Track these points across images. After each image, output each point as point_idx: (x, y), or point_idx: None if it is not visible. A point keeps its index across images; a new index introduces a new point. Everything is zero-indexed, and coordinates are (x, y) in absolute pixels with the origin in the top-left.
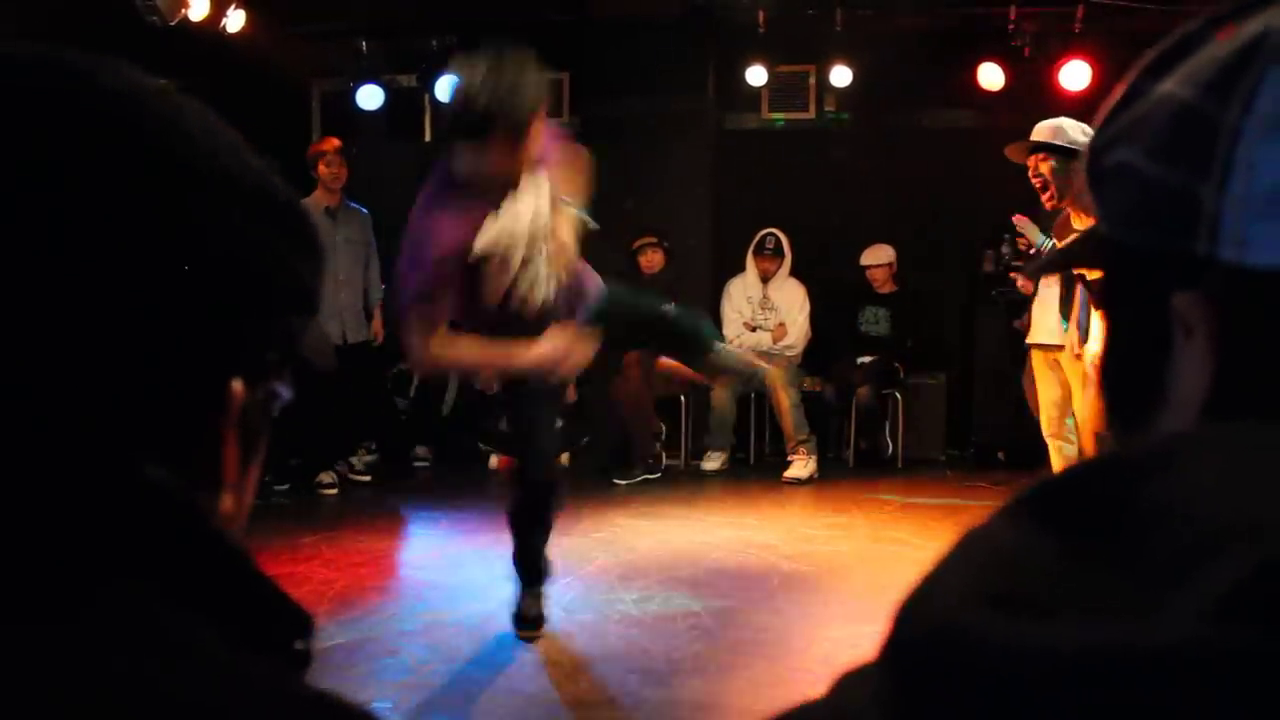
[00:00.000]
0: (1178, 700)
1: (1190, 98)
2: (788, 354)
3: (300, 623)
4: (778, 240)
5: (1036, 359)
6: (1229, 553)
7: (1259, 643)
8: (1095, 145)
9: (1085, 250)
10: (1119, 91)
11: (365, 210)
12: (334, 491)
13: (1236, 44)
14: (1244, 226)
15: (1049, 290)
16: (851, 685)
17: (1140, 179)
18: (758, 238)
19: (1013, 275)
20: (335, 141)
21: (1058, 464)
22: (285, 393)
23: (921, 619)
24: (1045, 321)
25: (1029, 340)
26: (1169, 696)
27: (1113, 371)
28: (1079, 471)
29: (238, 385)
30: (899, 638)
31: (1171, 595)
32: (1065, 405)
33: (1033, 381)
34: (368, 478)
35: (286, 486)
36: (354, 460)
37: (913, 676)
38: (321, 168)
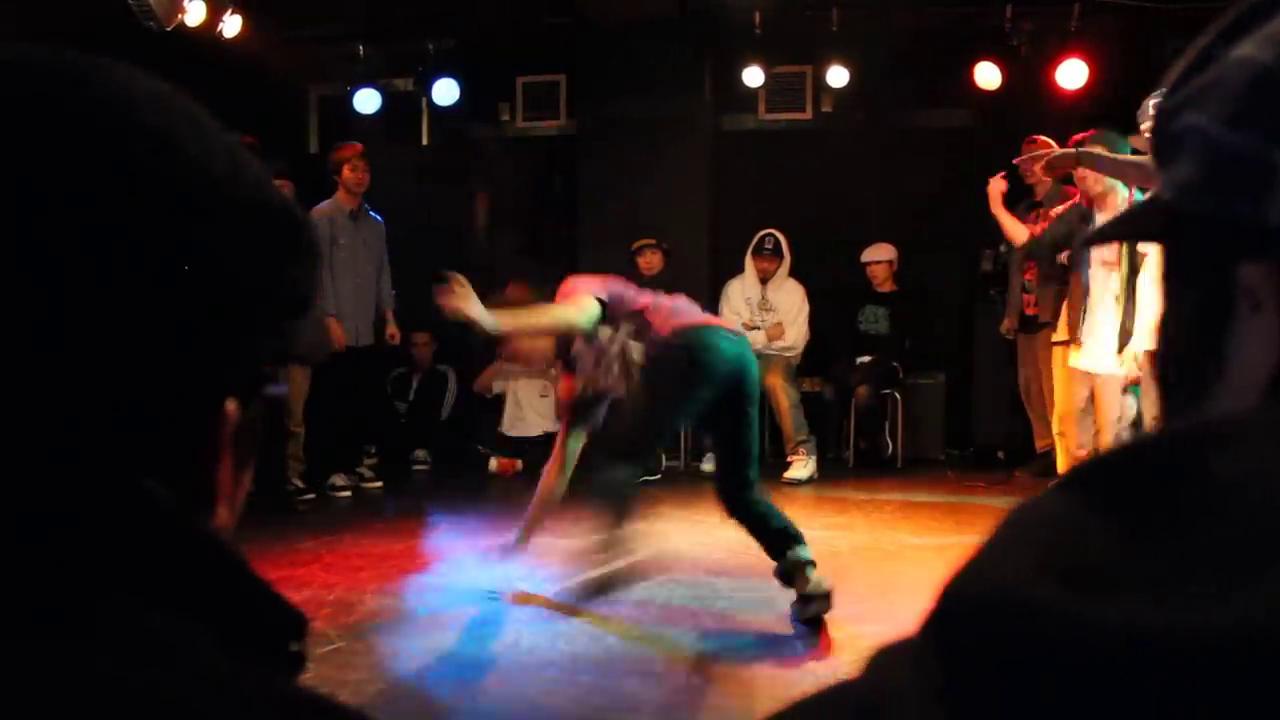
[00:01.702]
0: (1250, 683)
1: (1270, 61)
2: (786, 355)
3: (294, 625)
4: (776, 241)
5: (1058, 356)
6: None
7: None
8: (1163, 109)
9: (1145, 220)
10: (1189, 55)
11: (381, 219)
12: (348, 494)
13: None
14: None
15: (1075, 290)
16: (889, 663)
17: (1211, 144)
18: (757, 238)
19: (1005, 328)
20: (358, 146)
21: (1064, 463)
22: (278, 391)
23: (978, 593)
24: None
25: (1055, 338)
26: (1242, 679)
27: (1170, 347)
28: (1136, 448)
29: (232, 402)
30: (949, 612)
31: (1250, 578)
32: (1085, 405)
33: (1035, 379)
34: (379, 483)
35: (312, 495)
36: (363, 470)
37: (964, 651)
38: (346, 171)
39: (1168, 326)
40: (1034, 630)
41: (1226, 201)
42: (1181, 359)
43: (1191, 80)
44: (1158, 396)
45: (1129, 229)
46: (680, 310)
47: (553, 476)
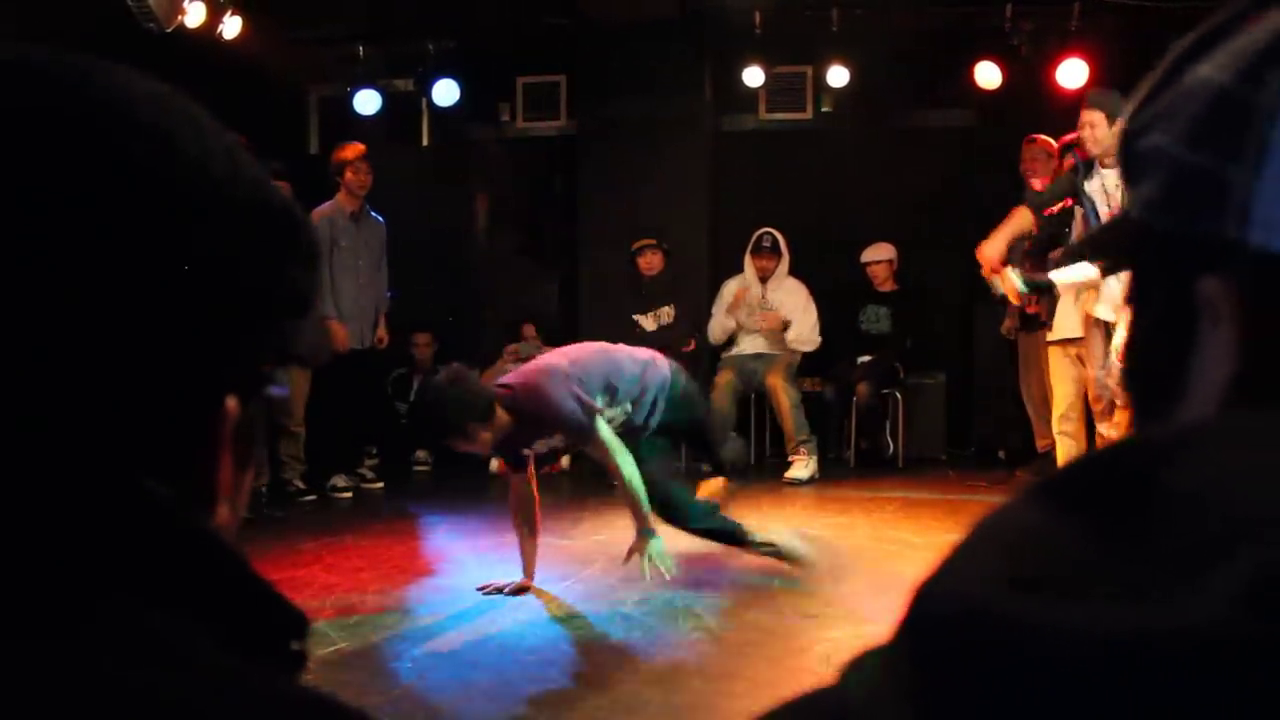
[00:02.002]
0: (1206, 684)
1: (1225, 81)
2: (795, 352)
3: (295, 624)
4: (774, 239)
5: (1054, 355)
6: (1257, 539)
7: None
8: (1129, 130)
9: (1114, 237)
10: (1153, 77)
11: (382, 220)
12: (349, 495)
13: (1272, 28)
14: (1275, 210)
15: (1068, 289)
16: (863, 670)
17: (1172, 162)
18: (754, 236)
19: (1006, 328)
20: (360, 147)
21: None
22: (279, 391)
23: (942, 600)
24: (1066, 318)
25: (1050, 337)
26: (1200, 680)
27: (1136, 359)
28: (1100, 456)
29: (232, 401)
30: (917, 619)
31: (1202, 580)
32: (1080, 402)
33: (1036, 379)
34: (380, 484)
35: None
36: (364, 471)
37: (933, 658)
38: (349, 174)
39: (1136, 340)
40: (994, 637)
41: (1187, 218)
42: (1149, 372)
43: (1155, 101)
44: (1130, 408)
45: (1101, 246)
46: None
47: (518, 517)
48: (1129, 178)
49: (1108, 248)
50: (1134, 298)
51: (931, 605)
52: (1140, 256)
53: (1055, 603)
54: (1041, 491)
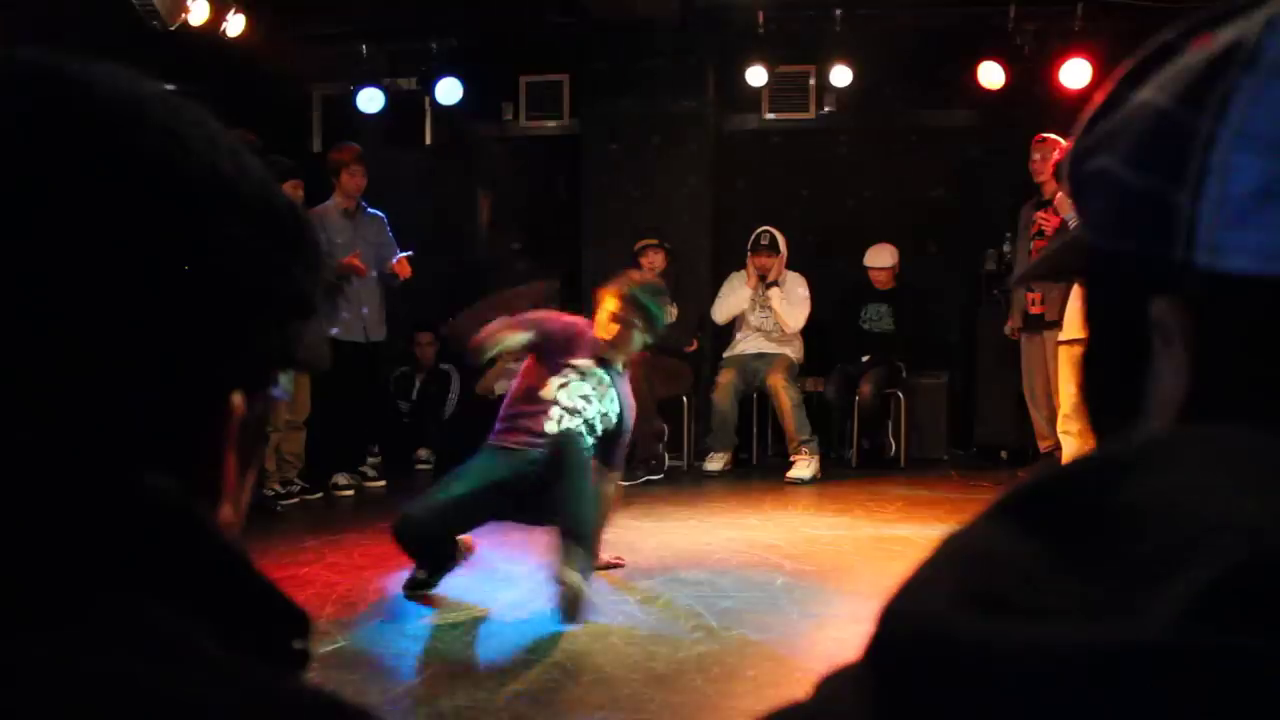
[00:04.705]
0: (1156, 698)
1: (1166, 105)
2: (787, 350)
3: (298, 623)
4: (773, 237)
5: (1063, 354)
6: (1206, 552)
7: (1235, 641)
8: (1076, 153)
9: (1067, 258)
10: (1099, 99)
11: (383, 214)
12: (351, 493)
13: (1211, 52)
14: (1218, 232)
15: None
16: (838, 687)
17: (1119, 186)
18: (753, 235)
19: (1009, 328)
20: (355, 148)
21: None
22: (281, 394)
23: (904, 620)
24: (1076, 318)
25: (1061, 337)
26: (1148, 695)
27: (1093, 377)
28: (1058, 474)
29: (237, 398)
30: (883, 638)
31: (1151, 595)
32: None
33: (1039, 379)
34: (382, 482)
35: (303, 487)
36: (365, 469)
37: (897, 677)
38: (345, 177)
39: (1092, 357)
40: (951, 655)
41: (1135, 240)
42: (1105, 390)
43: (1100, 124)
44: (1091, 428)
45: (1055, 267)
46: None
47: None
48: (1078, 199)
49: (1063, 267)
50: (1089, 317)
51: (893, 624)
52: (1092, 277)
53: (1012, 621)
54: (1002, 510)
